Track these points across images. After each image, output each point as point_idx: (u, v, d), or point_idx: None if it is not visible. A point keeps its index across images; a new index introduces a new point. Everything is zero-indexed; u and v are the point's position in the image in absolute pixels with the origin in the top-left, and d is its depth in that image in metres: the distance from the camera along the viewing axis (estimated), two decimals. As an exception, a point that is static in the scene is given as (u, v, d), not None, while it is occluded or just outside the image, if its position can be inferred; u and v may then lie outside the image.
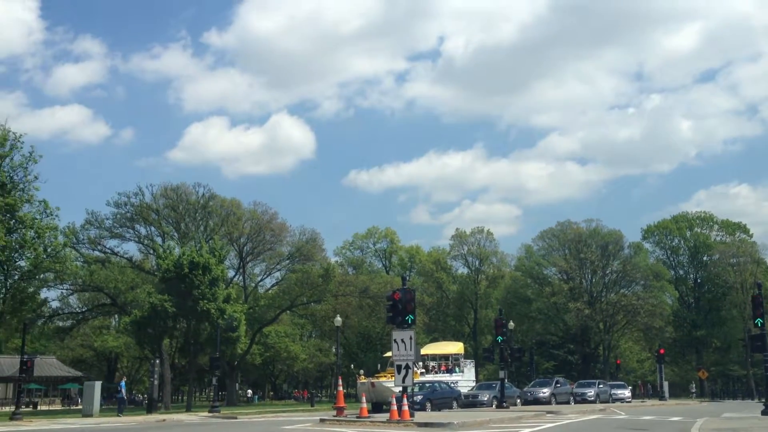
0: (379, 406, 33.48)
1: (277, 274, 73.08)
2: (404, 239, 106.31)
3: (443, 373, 43.02)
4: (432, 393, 36.40)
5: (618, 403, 49.65)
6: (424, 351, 44.94)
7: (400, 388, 28.06)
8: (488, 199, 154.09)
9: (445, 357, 45.78)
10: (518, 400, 43.68)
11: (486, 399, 39.75)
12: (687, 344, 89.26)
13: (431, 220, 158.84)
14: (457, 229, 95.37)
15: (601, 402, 48.06)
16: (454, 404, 36.81)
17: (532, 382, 51.36)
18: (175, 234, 63.17)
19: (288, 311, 73.77)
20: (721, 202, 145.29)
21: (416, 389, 33.67)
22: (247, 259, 70.13)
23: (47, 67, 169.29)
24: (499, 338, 36.29)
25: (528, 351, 72.37)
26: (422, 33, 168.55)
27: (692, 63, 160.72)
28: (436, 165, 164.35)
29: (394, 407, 22.71)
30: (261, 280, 73.87)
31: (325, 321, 71.31)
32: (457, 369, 44.24)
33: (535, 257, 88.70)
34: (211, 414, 38.95)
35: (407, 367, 24.08)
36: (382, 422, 22.34)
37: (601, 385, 53.13)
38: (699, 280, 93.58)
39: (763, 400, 31.89)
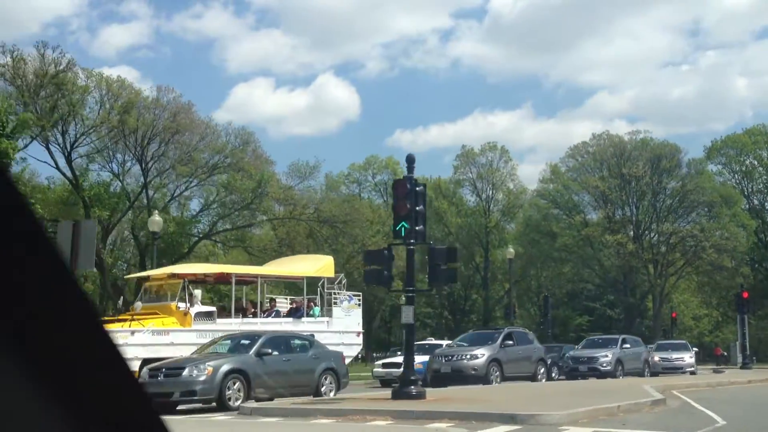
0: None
1: (196, 190, 52.55)
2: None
3: (283, 316, 20.90)
4: None
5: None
6: (261, 270, 23.55)
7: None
8: (536, 159, 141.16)
9: (293, 284, 23.69)
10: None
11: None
12: (766, 293, 66.87)
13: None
14: (464, 146, 73.41)
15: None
16: None
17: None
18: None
19: (210, 240, 53.41)
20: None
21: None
22: (152, 165, 49.80)
23: (93, 29, 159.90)
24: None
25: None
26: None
27: (750, 19, 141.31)
28: (482, 125, 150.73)
29: None
30: (174, 197, 52.94)
31: (265, 253, 50.53)
32: (314, 308, 22.21)
33: (564, 179, 67.30)
34: None
35: None
36: None
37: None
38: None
39: None
